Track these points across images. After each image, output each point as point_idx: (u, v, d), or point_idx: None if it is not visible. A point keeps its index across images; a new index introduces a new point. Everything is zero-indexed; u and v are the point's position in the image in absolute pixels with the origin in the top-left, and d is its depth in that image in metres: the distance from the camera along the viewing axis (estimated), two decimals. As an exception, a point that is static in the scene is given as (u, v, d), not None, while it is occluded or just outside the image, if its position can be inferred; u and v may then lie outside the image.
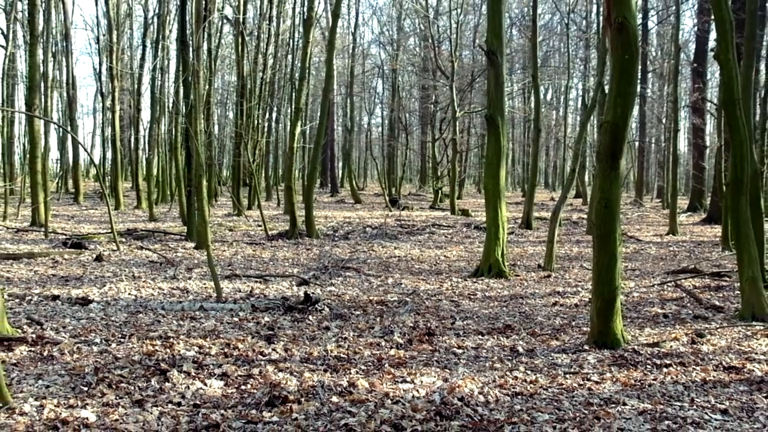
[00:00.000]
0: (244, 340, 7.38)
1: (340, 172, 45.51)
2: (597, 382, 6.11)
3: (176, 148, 25.72)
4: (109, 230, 15.62)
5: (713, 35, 14.40)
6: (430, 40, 33.46)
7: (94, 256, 13.54)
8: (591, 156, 31.61)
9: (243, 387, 5.73)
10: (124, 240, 16.19)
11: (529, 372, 6.43)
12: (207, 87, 25.14)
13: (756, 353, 7.19)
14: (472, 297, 10.53)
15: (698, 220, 26.23)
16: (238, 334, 7.66)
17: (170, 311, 8.93)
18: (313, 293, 9.66)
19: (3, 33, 29.04)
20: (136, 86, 32.93)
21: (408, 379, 6.10)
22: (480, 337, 7.87)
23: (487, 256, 12.54)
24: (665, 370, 6.54)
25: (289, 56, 32.50)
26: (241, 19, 25.99)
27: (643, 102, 36.73)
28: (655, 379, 6.22)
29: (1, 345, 6.61)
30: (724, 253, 15.94)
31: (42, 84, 25.14)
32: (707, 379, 6.26)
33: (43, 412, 5.03)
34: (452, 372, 6.37)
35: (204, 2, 25.59)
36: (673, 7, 26.72)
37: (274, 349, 7.03)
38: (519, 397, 5.68)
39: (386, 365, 6.51)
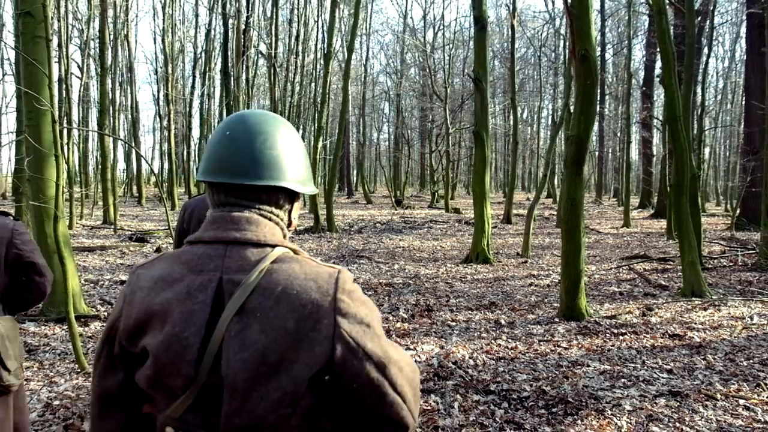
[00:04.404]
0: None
1: (355, 178, 45.42)
2: (566, 348, 6.12)
3: (221, 159, 25.78)
4: (167, 227, 15.68)
5: (659, 64, 14.35)
6: (427, 70, 33.43)
7: (155, 248, 13.59)
8: (559, 163, 31.52)
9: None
10: (179, 235, 16.24)
11: (510, 340, 6.43)
12: (245, 109, 25.21)
13: (695, 323, 7.18)
14: (463, 279, 10.53)
15: (647, 215, 26.16)
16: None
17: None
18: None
19: (78, 66, 29.10)
20: (187, 109, 32.96)
21: (411, 347, 6.12)
22: (470, 312, 7.88)
23: (475, 246, 12.54)
24: (621, 337, 6.54)
25: (313, 84, 32.47)
26: (272, 54, 25.98)
27: (602, 119, 36.61)
28: (613, 345, 6.22)
29: (78, 321, 6.64)
30: (668, 241, 15.90)
31: (111, 108, 25.24)
32: (655, 344, 6.25)
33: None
34: (447, 341, 6.38)
35: (242, 40, 25.64)
36: (626, 42, 26.65)
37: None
38: (502, 360, 5.69)
39: (393, 336, 6.53)
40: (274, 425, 1.19)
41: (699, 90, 19.55)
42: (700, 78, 19.82)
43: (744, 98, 23.64)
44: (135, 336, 1.24)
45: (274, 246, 1.25)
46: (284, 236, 1.33)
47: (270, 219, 1.30)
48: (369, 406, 1.24)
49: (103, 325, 6.77)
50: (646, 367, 5.45)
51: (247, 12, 26.17)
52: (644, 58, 30.89)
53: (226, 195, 1.29)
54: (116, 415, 1.30)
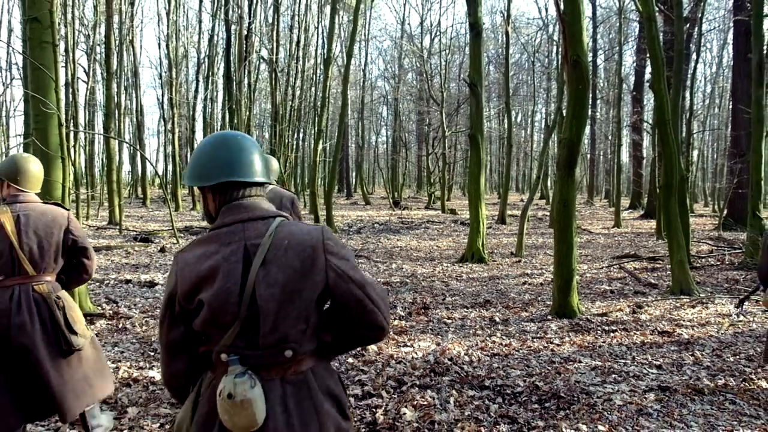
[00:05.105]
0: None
1: (354, 179, 45.37)
2: (558, 345, 6.12)
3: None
4: (171, 227, 15.66)
5: (649, 69, 14.37)
6: (424, 75, 33.43)
7: (159, 248, 13.57)
8: (552, 166, 31.52)
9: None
10: (182, 235, 16.23)
11: (504, 337, 6.44)
12: (247, 113, 25.18)
13: (683, 320, 7.19)
14: (458, 278, 10.53)
15: (637, 216, 26.18)
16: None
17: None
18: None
19: (85, 70, 29.05)
20: (191, 113, 32.91)
21: (408, 343, 6.12)
22: (465, 310, 7.88)
23: (470, 246, 12.55)
24: (612, 334, 6.54)
25: (313, 88, 32.47)
26: (274, 59, 25.96)
27: (593, 123, 36.64)
28: (604, 342, 6.23)
29: (85, 319, 6.64)
30: (657, 241, 15.92)
31: (116, 111, 25.19)
32: (645, 341, 6.26)
33: (118, 372, 5.06)
34: (443, 338, 6.38)
35: (245, 46, 25.64)
36: (617, 48, 26.66)
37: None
38: (496, 357, 5.69)
39: (391, 333, 6.53)
40: (294, 339, 1.69)
41: (687, 94, 19.59)
42: (688, 83, 19.87)
43: (731, 102, 23.68)
44: (191, 296, 1.69)
45: (275, 216, 1.77)
46: None
47: (263, 200, 1.82)
48: (356, 316, 1.75)
49: (108, 323, 6.76)
50: (636, 363, 5.46)
51: (249, 18, 26.18)
52: (634, 64, 30.93)
53: (234, 190, 1.78)
54: (182, 357, 1.77)
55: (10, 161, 3.29)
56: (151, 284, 9.25)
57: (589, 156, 39.63)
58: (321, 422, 1.70)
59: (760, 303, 5.13)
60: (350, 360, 5.44)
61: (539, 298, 8.62)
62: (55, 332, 3.19)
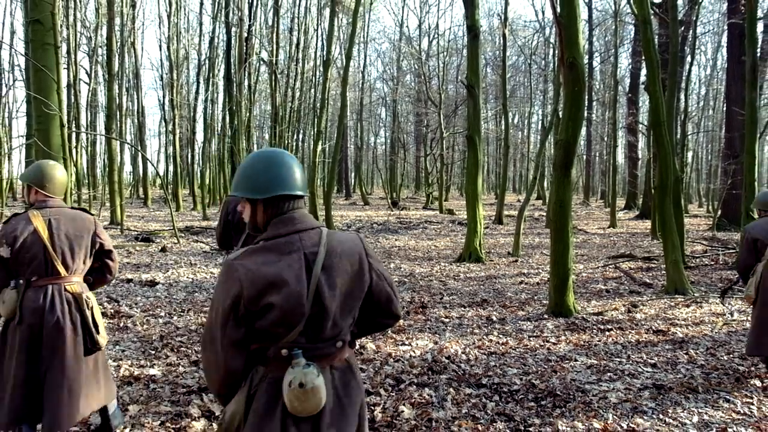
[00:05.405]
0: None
1: (353, 180, 45.32)
2: (554, 343, 6.12)
3: (224, 162, 25.79)
4: (172, 227, 15.64)
5: (644, 71, 14.42)
6: (422, 77, 33.40)
7: (160, 247, 13.55)
8: (548, 166, 31.54)
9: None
10: (183, 235, 16.22)
11: (501, 336, 6.44)
12: (247, 114, 25.16)
13: (678, 319, 7.19)
14: (456, 278, 10.53)
15: (632, 216, 26.20)
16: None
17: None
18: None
19: (87, 72, 29.00)
20: (191, 114, 32.86)
21: (406, 342, 6.12)
22: (463, 309, 7.88)
23: (467, 245, 12.55)
24: (607, 333, 6.54)
25: (312, 90, 32.42)
26: (274, 61, 25.93)
27: (589, 124, 36.65)
28: (599, 341, 6.23)
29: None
30: (652, 241, 15.93)
31: (118, 113, 25.17)
32: (640, 340, 6.26)
33: (120, 370, 5.06)
34: (441, 336, 6.38)
35: (245, 48, 25.62)
36: (613, 50, 26.68)
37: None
38: (493, 355, 5.69)
39: (389, 331, 6.52)
40: (342, 332, 1.98)
41: (682, 96, 19.59)
42: (683, 85, 19.87)
43: (725, 104, 23.70)
44: (257, 299, 1.83)
45: (319, 227, 1.97)
46: None
47: (306, 212, 2.01)
48: (383, 307, 2.12)
49: (110, 322, 6.75)
50: (631, 362, 5.45)
51: (250, 21, 26.17)
52: (630, 66, 30.94)
53: (284, 203, 1.95)
54: (241, 355, 1.91)
55: (36, 169, 3.42)
56: (152, 283, 9.24)
57: (585, 157, 39.64)
58: (359, 399, 2.04)
59: (744, 298, 5.20)
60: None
61: (536, 298, 8.62)
62: (83, 331, 3.38)
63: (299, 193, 1.97)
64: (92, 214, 3.56)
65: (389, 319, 2.18)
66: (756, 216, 5.22)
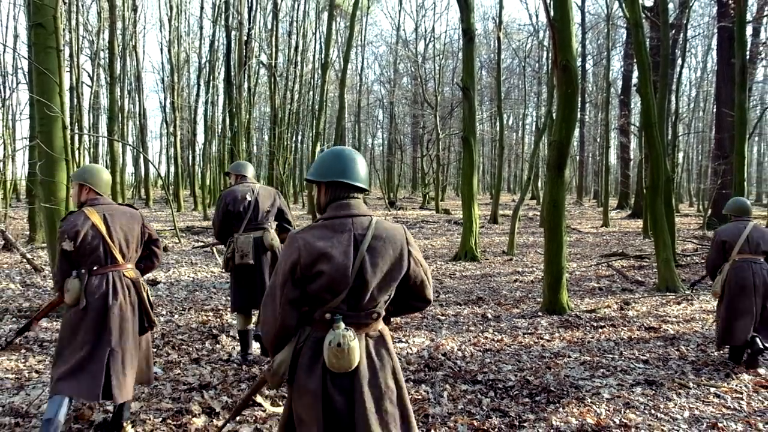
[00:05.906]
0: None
1: (350, 181, 45.10)
2: (548, 340, 6.13)
3: (224, 163, 25.71)
4: (173, 227, 15.62)
5: (636, 74, 14.48)
6: (419, 79, 33.41)
7: (161, 247, 13.48)
8: (542, 167, 31.56)
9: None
10: (184, 235, 16.20)
11: (496, 333, 6.44)
12: (247, 116, 25.11)
13: (669, 316, 7.21)
14: (452, 276, 10.54)
15: (625, 216, 26.23)
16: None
17: (219, 289, 8.95)
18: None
19: (89, 75, 28.93)
20: (192, 116, 32.79)
21: (404, 339, 6.12)
22: (458, 306, 7.89)
23: (463, 244, 12.55)
24: (600, 330, 6.55)
25: (311, 92, 32.38)
26: (273, 64, 25.90)
27: (582, 125, 36.67)
28: (592, 338, 6.24)
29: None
30: (644, 240, 15.96)
31: (120, 115, 25.16)
32: (632, 336, 6.27)
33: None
34: (437, 334, 6.38)
35: (244, 51, 25.58)
36: (605, 53, 26.72)
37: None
38: (489, 352, 5.69)
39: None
40: (378, 305, 2.26)
41: (673, 98, 19.61)
42: (674, 87, 19.89)
43: (715, 106, 23.75)
44: (311, 266, 2.13)
45: (370, 215, 2.27)
46: None
47: (362, 202, 2.31)
48: (417, 291, 2.39)
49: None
50: (623, 358, 5.46)
51: (249, 24, 26.11)
52: (622, 69, 30.99)
53: (343, 191, 2.27)
54: (294, 312, 2.21)
55: (86, 171, 3.75)
56: (154, 282, 9.23)
57: (578, 158, 39.65)
58: (390, 365, 2.29)
59: (711, 294, 5.45)
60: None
61: (530, 295, 8.62)
62: (140, 312, 3.73)
63: (358, 184, 2.27)
64: (137, 209, 3.89)
65: (421, 302, 2.45)
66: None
